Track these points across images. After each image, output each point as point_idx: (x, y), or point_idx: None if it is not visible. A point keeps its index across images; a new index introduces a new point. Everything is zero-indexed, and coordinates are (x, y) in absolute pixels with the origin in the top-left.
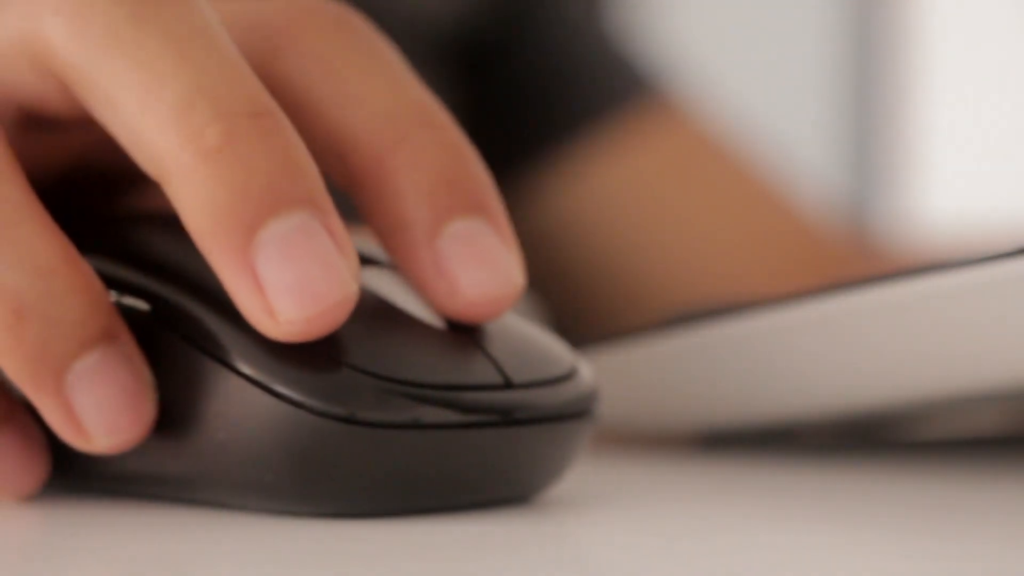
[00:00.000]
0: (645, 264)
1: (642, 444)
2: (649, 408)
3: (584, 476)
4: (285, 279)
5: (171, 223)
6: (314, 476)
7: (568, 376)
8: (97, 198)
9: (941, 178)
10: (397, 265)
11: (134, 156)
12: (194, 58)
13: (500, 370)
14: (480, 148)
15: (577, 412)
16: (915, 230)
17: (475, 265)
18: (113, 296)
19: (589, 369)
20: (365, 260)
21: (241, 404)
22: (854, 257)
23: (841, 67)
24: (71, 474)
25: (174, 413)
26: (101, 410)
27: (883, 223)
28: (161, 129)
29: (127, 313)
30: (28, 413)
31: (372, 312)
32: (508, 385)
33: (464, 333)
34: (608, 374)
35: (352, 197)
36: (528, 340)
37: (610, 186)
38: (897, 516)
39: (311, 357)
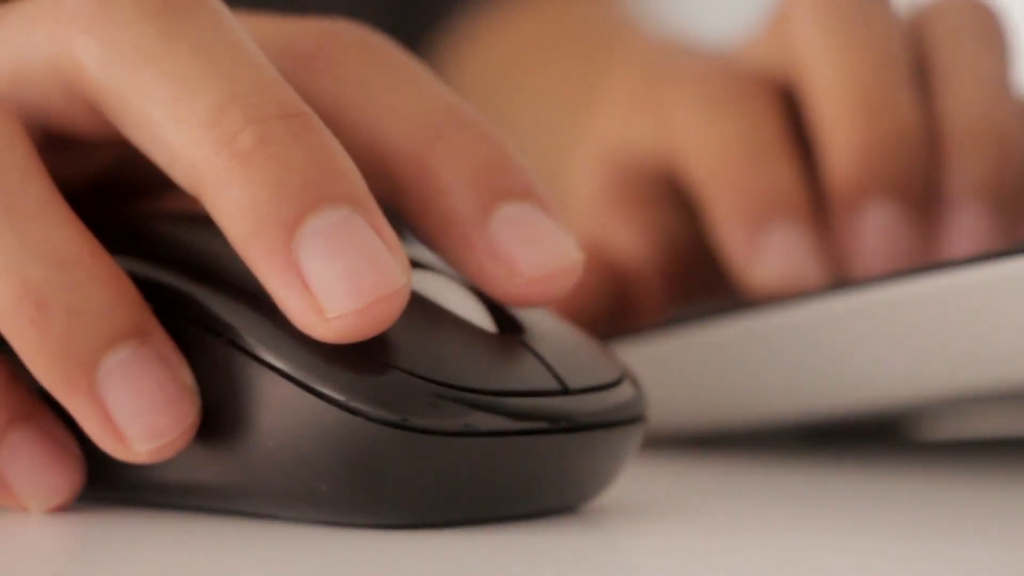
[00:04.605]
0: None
1: (654, 446)
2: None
3: (625, 483)
4: (331, 271)
5: (205, 222)
6: (371, 485)
7: (619, 380)
8: (112, 208)
9: None
10: (450, 261)
11: (170, 173)
12: (226, 69)
13: (556, 375)
14: (376, 22)
15: (631, 417)
16: None
17: (530, 244)
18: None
19: (634, 373)
20: (414, 264)
21: (292, 410)
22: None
23: None
24: (107, 485)
25: (219, 419)
26: (137, 410)
27: None
28: (195, 139)
29: (166, 318)
30: (55, 416)
31: (424, 316)
32: (565, 391)
33: (515, 337)
34: None
35: (398, 205)
36: (576, 344)
37: (492, 60)
38: (914, 518)
39: (362, 360)
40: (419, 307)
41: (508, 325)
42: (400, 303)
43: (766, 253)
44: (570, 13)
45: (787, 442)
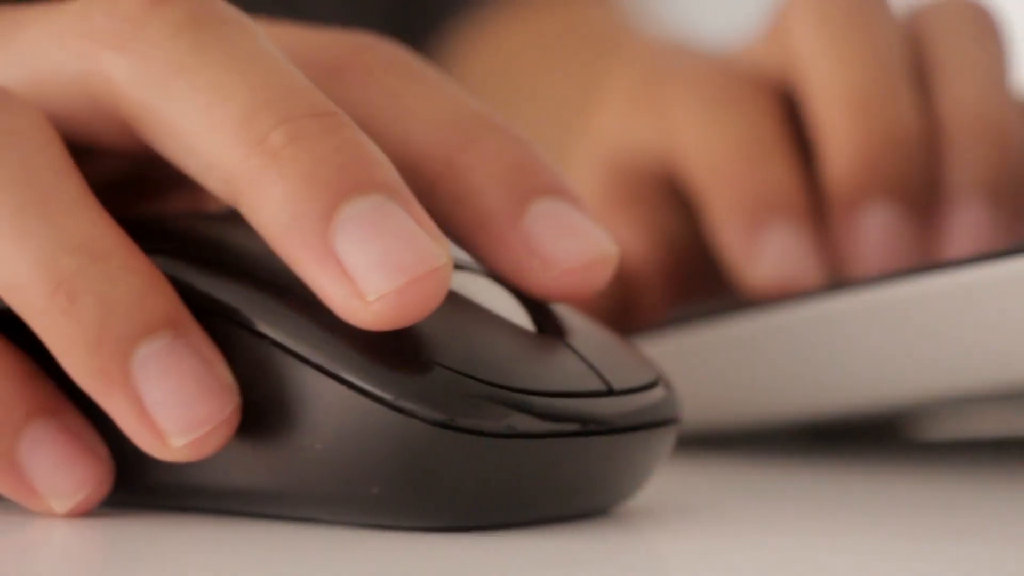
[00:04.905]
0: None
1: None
2: None
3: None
4: (369, 254)
5: (238, 223)
6: (422, 487)
7: (657, 381)
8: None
9: None
10: (485, 259)
11: (206, 183)
12: (257, 77)
13: (601, 376)
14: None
15: (670, 418)
16: None
17: (565, 236)
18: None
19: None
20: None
21: (340, 410)
22: None
23: None
24: (147, 491)
25: (263, 422)
26: (173, 401)
27: None
28: (228, 143)
29: (205, 321)
30: (81, 416)
31: (466, 315)
32: (610, 392)
33: (557, 337)
34: None
35: (429, 207)
36: (613, 345)
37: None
38: (907, 518)
39: (408, 359)
40: (460, 306)
41: (548, 325)
42: (441, 284)
43: (764, 253)
44: (571, 15)
45: (785, 442)
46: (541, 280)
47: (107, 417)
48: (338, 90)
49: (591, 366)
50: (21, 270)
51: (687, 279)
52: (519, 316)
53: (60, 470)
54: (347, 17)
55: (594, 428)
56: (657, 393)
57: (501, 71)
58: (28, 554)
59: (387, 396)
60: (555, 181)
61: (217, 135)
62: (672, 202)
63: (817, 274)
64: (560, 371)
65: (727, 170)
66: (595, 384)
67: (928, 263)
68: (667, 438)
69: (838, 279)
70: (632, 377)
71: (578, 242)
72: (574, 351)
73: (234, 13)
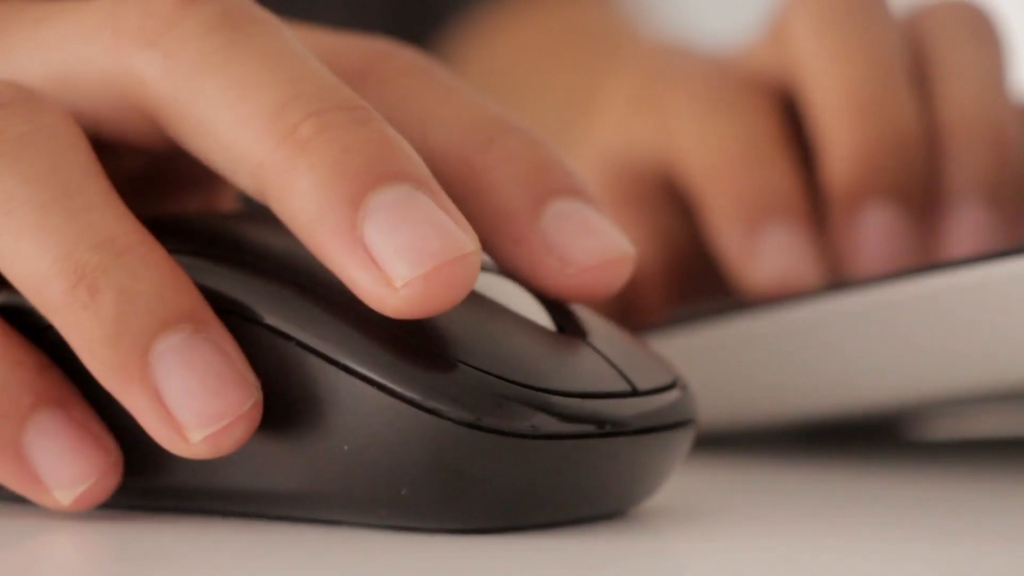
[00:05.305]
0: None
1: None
2: None
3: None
4: (397, 241)
5: (263, 221)
6: (451, 488)
7: (676, 381)
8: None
9: None
10: (502, 258)
11: (235, 180)
12: (287, 73)
13: (625, 377)
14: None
15: (690, 419)
16: None
17: (583, 235)
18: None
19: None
20: None
21: (367, 410)
22: None
23: None
24: (172, 494)
25: (289, 423)
26: (191, 394)
27: None
28: (257, 136)
29: (229, 321)
30: (90, 409)
31: (490, 315)
32: (634, 392)
33: (579, 338)
34: None
35: None
36: (632, 345)
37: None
38: (908, 517)
39: (434, 358)
40: (483, 305)
41: (568, 325)
42: (469, 271)
43: (762, 254)
44: (571, 17)
45: (785, 442)
46: (559, 279)
47: (132, 420)
48: (359, 93)
49: (614, 366)
50: (42, 265)
51: (686, 280)
52: (540, 316)
53: (64, 459)
54: (348, 17)
55: (619, 429)
56: (677, 393)
57: (501, 71)
58: (37, 565)
59: (415, 396)
60: (573, 182)
61: (246, 128)
62: (671, 204)
63: (815, 275)
64: (584, 371)
65: (725, 172)
66: (619, 385)
67: (927, 263)
68: (687, 439)
69: (838, 279)
70: (653, 377)
71: (596, 241)
72: (597, 351)
73: (265, 13)
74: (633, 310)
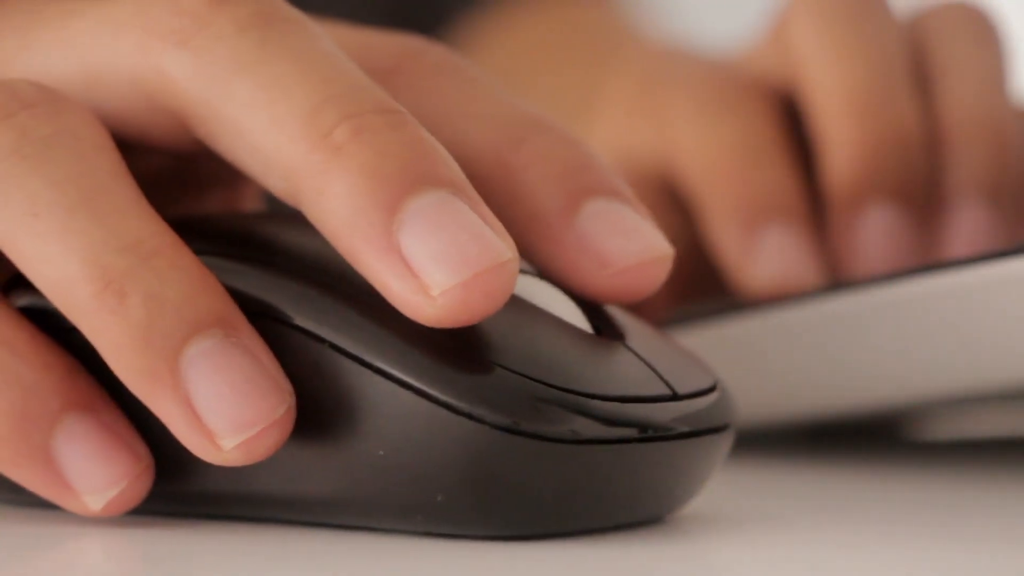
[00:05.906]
0: None
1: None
2: None
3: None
4: (433, 248)
5: (293, 223)
6: (488, 494)
7: (716, 384)
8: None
9: None
10: (538, 259)
11: (266, 182)
12: (320, 74)
13: (664, 380)
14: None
15: (730, 423)
16: None
17: (620, 235)
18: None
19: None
20: None
21: (402, 415)
22: None
23: None
24: (203, 500)
25: (323, 428)
26: (222, 400)
27: None
28: (290, 139)
29: (260, 324)
30: (121, 414)
31: (528, 318)
32: (674, 396)
33: (618, 341)
34: None
35: None
36: (670, 347)
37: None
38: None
39: (471, 361)
40: (519, 307)
41: (605, 327)
42: (507, 280)
43: (761, 255)
44: (571, 18)
45: (784, 442)
46: (595, 280)
47: (163, 424)
48: (390, 91)
49: (653, 370)
50: (70, 269)
51: (686, 281)
52: (577, 318)
53: (95, 464)
54: (350, 17)
55: (661, 434)
56: (716, 396)
57: (502, 71)
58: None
59: (452, 400)
60: (608, 181)
61: (280, 130)
62: (671, 205)
63: (814, 275)
64: (623, 375)
65: (724, 173)
66: (659, 388)
67: (928, 263)
68: (727, 443)
69: (838, 279)
70: (693, 381)
71: (633, 241)
72: (635, 354)
73: (296, 12)
74: (632, 310)
